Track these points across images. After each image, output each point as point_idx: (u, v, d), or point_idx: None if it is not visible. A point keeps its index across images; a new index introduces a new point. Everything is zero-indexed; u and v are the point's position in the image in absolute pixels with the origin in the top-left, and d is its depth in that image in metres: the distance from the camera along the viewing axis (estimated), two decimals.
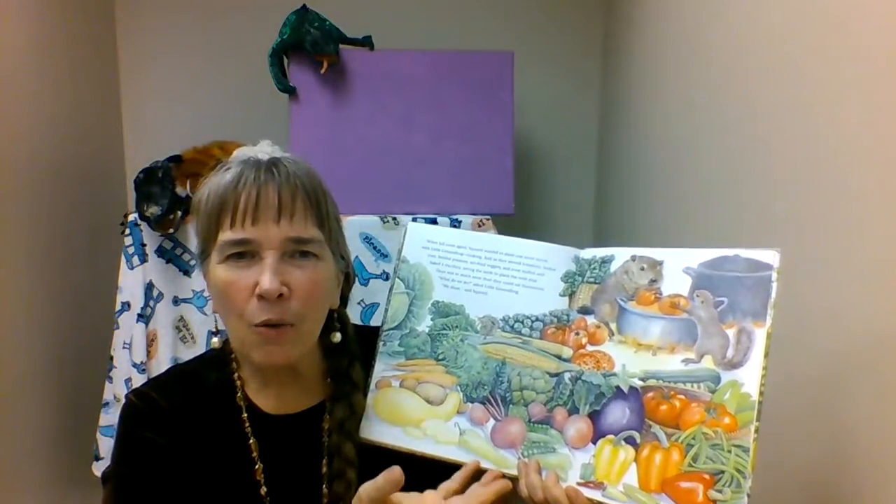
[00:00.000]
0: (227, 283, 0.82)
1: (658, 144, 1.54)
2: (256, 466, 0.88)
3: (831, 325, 0.87)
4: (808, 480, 0.92)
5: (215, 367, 0.92)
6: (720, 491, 0.73)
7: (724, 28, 1.20)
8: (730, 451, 0.74)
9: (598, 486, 0.81)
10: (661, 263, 0.84)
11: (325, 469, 0.89)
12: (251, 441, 0.88)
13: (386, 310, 0.95)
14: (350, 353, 0.94)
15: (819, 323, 0.89)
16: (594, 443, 0.83)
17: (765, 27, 1.06)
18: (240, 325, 0.83)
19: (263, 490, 0.87)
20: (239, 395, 0.90)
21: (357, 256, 1.57)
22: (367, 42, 1.70)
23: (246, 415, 0.89)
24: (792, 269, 0.88)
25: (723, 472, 0.74)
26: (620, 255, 0.88)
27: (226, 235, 0.82)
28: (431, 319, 0.93)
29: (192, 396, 0.89)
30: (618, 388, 0.83)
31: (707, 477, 0.74)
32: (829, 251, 0.87)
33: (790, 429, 0.94)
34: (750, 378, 0.75)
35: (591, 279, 0.89)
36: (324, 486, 0.89)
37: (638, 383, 0.82)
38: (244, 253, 0.82)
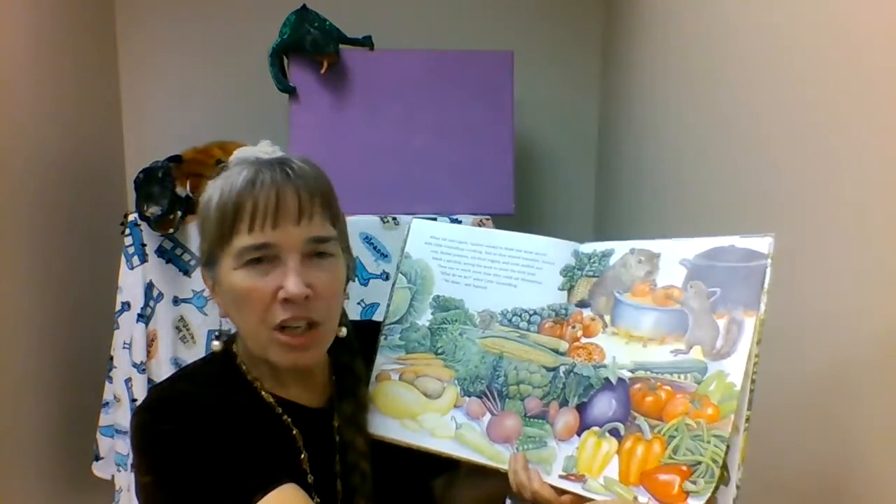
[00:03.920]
0: (247, 289, 0.80)
1: (658, 144, 1.54)
2: (302, 455, 0.86)
3: (835, 325, 0.86)
4: (812, 480, 0.91)
5: (223, 367, 0.89)
6: (694, 482, 0.72)
7: (723, 27, 1.20)
8: (709, 442, 0.72)
9: (580, 478, 0.80)
10: (658, 255, 0.83)
11: (338, 467, 0.88)
12: (294, 432, 0.86)
13: (388, 304, 0.95)
14: (351, 347, 0.94)
15: (823, 323, 0.88)
16: (579, 435, 0.82)
17: (763, 27, 1.05)
18: (261, 328, 0.81)
19: (311, 479, 0.85)
20: (263, 392, 0.87)
21: (357, 256, 1.57)
22: (367, 42, 1.70)
23: (280, 408, 0.87)
24: (795, 269, 0.88)
25: (700, 462, 0.72)
26: (620, 249, 0.87)
27: (243, 241, 0.79)
28: (432, 314, 0.93)
29: (208, 390, 0.84)
30: (606, 379, 0.82)
31: (685, 469, 0.73)
32: (833, 249, 0.86)
33: (794, 429, 0.94)
34: (735, 368, 0.73)
35: (590, 273, 0.88)
36: (337, 481, 0.88)
37: (626, 374, 0.80)
38: (262, 258, 0.80)
